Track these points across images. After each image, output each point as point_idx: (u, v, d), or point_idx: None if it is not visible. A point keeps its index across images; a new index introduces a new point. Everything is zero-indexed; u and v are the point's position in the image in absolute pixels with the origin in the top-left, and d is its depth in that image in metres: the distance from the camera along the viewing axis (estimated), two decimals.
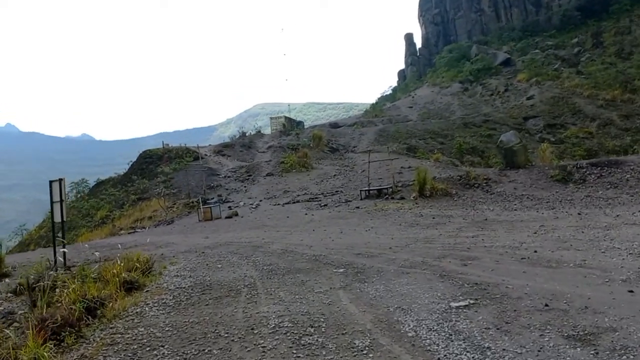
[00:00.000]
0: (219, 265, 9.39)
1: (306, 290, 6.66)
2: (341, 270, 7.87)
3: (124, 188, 34.92)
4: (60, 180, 11.38)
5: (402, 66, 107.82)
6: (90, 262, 11.25)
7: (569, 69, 59.60)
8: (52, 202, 11.35)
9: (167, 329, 5.25)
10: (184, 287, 7.41)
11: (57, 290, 7.90)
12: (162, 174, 35.18)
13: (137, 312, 6.01)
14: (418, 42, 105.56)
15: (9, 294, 10.02)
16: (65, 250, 12.21)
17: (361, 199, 21.34)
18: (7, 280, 11.12)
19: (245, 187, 30.99)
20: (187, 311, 5.96)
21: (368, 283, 6.78)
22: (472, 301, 5.42)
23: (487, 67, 70.64)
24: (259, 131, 55.57)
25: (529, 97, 54.93)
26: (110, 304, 6.03)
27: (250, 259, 9.86)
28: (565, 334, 4.35)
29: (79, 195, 42.94)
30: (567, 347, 4.09)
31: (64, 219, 11.44)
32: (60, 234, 12.24)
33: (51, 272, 11.16)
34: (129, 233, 21.74)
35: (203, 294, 6.90)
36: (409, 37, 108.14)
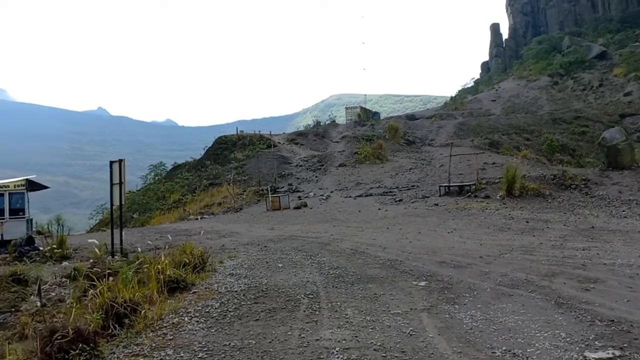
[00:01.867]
0: (280, 265, 8.27)
1: (380, 308, 5.33)
2: (423, 283, 6.45)
3: (197, 173, 35.20)
4: (121, 161, 10.78)
5: (486, 58, 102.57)
6: (150, 249, 10.63)
7: None
8: (111, 184, 10.78)
9: (200, 354, 4.14)
10: (236, 291, 6.34)
11: (111, 278, 7.18)
12: (235, 160, 35.07)
13: (173, 324, 4.98)
14: (504, 33, 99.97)
15: (64, 279, 9.57)
16: (123, 234, 11.78)
17: (440, 196, 19.56)
18: (66, 263, 10.79)
19: (316, 176, 30.04)
20: (231, 328, 4.83)
21: (459, 306, 5.33)
22: (617, 353, 3.83)
23: (580, 60, 65.65)
24: (334, 121, 54.53)
25: (626, 93, 50.36)
26: (144, 310, 5.04)
27: (315, 259, 8.67)
28: None
29: (156, 178, 44.22)
30: None
31: (123, 203, 10.88)
32: (119, 220, 11.67)
33: (108, 258, 10.71)
34: (196, 218, 21.44)
35: (256, 302, 5.78)
36: (495, 27, 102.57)
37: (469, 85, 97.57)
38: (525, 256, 8.05)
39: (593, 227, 11.32)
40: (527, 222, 12.51)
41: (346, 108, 63.67)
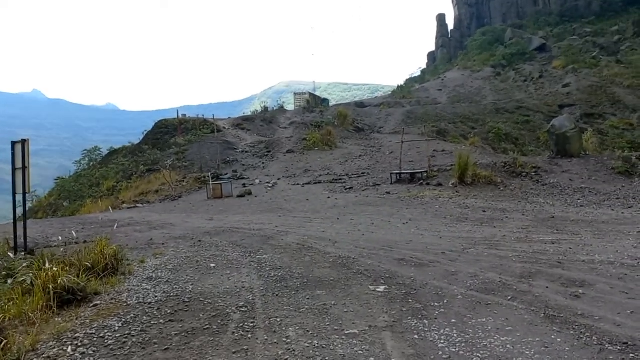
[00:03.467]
0: (212, 265, 6.96)
1: (331, 327, 4.17)
2: (381, 288, 5.36)
3: (134, 158, 32.83)
4: (24, 141, 8.98)
5: (432, 48, 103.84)
6: (59, 245, 9.01)
7: (608, 58, 56.68)
8: (13, 169, 8.98)
9: None
10: (149, 304, 4.99)
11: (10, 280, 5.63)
12: (175, 145, 32.98)
13: (47, 358, 3.61)
14: (450, 24, 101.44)
15: None
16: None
17: (391, 183, 18.73)
18: None
19: (263, 163, 28.63)
20: None
21: (429, 320, 4.26)
22: None
23: (522, 52, 67.57)
24: (282, 107, 53.02)
25: (565, 84, 52.01)
26: (12, 337, 3.63)
27: (255, 257, 7.42)
28: None
29: (91, 164, 41.22)
30: None
31: (27, 191, 9.13)
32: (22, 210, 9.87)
33: (10, 255, 9.00)
34: (129, 208, 19.58)
35: (171, 320, 4.47)
36: (440, 18, 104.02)
37: (416, 75, 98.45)
38: (491, 251, 7.15)
39: (553, 217, 10.69)
40: (484, 211, 11.77)
41: (295, 94, 62.31)
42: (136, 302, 5.08)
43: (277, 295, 5.22)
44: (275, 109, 50.04)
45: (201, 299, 5.14)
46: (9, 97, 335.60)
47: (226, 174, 25.47)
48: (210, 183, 19.55)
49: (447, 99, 56.64)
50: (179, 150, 31.68)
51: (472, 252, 7.13)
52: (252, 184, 22.32)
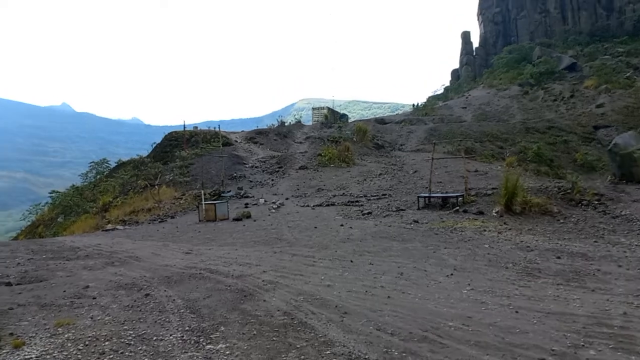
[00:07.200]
0: None
1: None
2: None
3: (134, 171, 30.15)
4: None
5: (456, 65, 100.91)
6: None
7: None
8: None
9: None
10: None
11: None
12: (180, 158, 30.21)
13: None
14: (475, 42, 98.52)
15: None
16: None
17: (418, 209, 15.47)
18: None
19: (272, 180, 25.65)
20: None
21: None
22: None
23: (551, 70, 64.50)
24: (299, 121, 50.23)
25: (598, 104, 48.67)
26: None
27: (203, 347, 4.30)
28: None
29: (97, 177, 38.80)
30: None
31: None
32: None
33: None
34: (112, 229, 16.67)
35: None
36: (465, 36, 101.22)
37: (439, 92, 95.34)
38: (630, 357, 3.90)
39: None
40: (558, 257, 8.43)
41: (313, 109, 59.59)
42: None
43: None
44: (292, 123, 47.32)
45: None
46: (39, 110, 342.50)
47: (229, 191, 22.51)
48: (203, 203, 16.49)
49: (472, 116, 53.58)
50: (183, 164, 28.89)
51: (594, 357, 3.88)
52: (255, 204, 19.28)
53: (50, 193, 37.09)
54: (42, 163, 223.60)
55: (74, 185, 35.70)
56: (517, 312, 5.28)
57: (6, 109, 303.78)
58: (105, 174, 38.02)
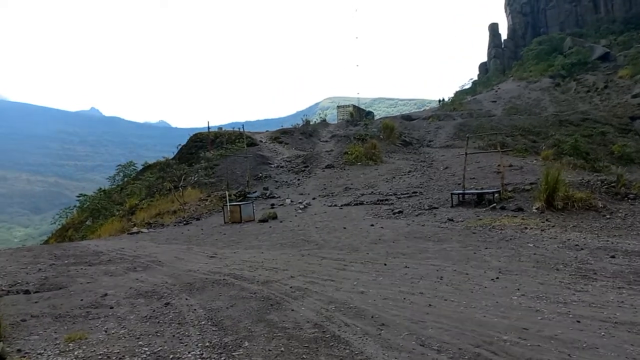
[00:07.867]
0: None
1: None
2: None
3: (160, 174, 30.11)
4: None
5: (484, 59, 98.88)
6: None
7: None
8: None
9: None
10: None
11: None
12: (205, 159, 30.05)
13: None
14: (503, 34, 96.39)
15: None
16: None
17: (452, 206, 14.74)
18: None
19: (298, 180, 25.18)
20: None
21: None
22: None
23: (583, 61, 62.83)
24: (324, 120, 49.68)
25: (634, 95, 46.90)
26: None
27: (229, 358, 3.82)
28: None
29: (125, 179, 39.07)
30: None
31: None
32: None
33: None
34: (131, 233, 16.47)
35: None
36: (493, 28, 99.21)
37: (467, 87, 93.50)
38: None
39: None
40: (612, 256, 7.67)
41: (338, 107, 58.89)
42: None
43: None
44: (316, 122, 46.83)
45: None
46: (68, 115, 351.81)
47: (255, 191, 22.14)
48: (228, 204, 16.11)
49: (503, 110, 52.25)
50: (208, 165, 28.70)
51: None
52: (281, 204, 18.83)
53: (77, 197, 37.41)
54: (73, 167, 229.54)
55: (101, 189, 35.93)
56: (578, 321, 4.62)
57: (39, 115, 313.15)
58: (132, 176, 38.25)
